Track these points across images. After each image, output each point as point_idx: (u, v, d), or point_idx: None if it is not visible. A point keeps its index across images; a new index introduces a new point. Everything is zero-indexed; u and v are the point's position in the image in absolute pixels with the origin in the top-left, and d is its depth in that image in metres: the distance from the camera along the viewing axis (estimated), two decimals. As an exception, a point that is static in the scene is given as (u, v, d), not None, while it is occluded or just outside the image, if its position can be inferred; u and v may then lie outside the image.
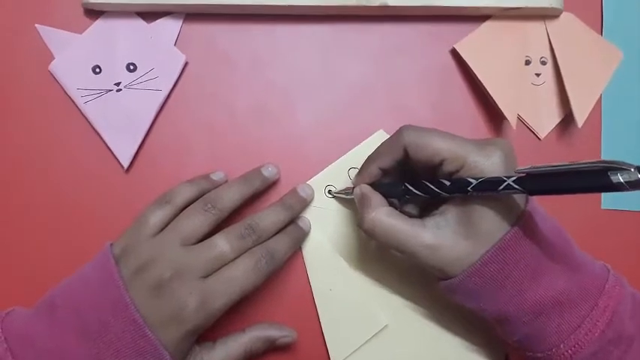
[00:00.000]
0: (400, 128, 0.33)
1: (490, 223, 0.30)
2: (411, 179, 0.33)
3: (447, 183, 0.30)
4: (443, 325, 0.39)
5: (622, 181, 0.23)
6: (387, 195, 0.34)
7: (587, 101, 0.40)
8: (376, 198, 0.33)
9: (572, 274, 0.31)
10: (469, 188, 0.29)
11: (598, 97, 0.40)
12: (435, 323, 0.39)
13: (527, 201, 0.31)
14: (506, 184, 0.27)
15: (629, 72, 0.42)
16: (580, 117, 0.39)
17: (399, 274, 0.39)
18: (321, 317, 0.38)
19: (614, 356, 0.30)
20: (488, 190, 0.28)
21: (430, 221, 0.32)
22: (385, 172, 0.34)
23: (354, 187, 0.36)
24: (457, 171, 0.30)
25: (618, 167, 0.23)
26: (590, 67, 0.40)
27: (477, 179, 0.29)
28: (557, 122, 0.41)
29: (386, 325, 0.38)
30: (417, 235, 0.31)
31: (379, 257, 0.39)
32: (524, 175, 0.27)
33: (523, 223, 0.30)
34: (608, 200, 0.41)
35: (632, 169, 0.23)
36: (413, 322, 0.39)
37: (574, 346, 0.30)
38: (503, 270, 0.30)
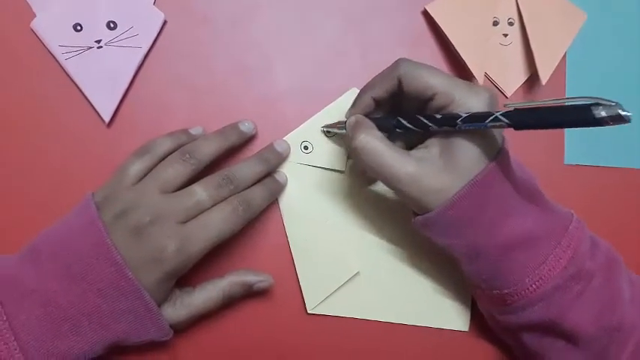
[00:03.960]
0: (397, 60, 0.34)
1: (469, 159, 0.31)
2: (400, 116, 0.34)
3: (438, 116, 0.32)
4: (412, 272, 0.41)
5: (604, 115, 0.24)
6: (378, 129, 0.34)
7: (551, 60, 0.41)
8: (370, 123, 0.35)
9: (540, 214, 0.33)
10: (458, 121, 0.30)
11: (562, 56, 0.42)
12: (405, 271, 0.41)
13: (504, 141, 0.33)
14: (493, 117, 0.29)
15: (592, 33, 0.43)
16: (544, 75, 0.41)
17: (371, 225, 0.41)
18: (297, 265, 0.40)
19: (575, 291, 0.33)
20: (476, 122, 0.30)
21: (415, 153, 0.34)
22: (377, 103, 0.35)
23: (347, 120, 0.36)
24: (446, 106, 0.32)
25: (601, 103, 0.25)
26: (555, 28, 0.42)
27: (466, 113, 0.30)
28: (523, 81, 0.43)
29: (357, 273, 0.40)
30: (401, 161, 0.32)
31: (352, 209, 0.41)
32: (511, 109, 0.29)
33: (499, 161, 0.32)
34: (571, 155, 0.43)
35: (614, 104, 0.24)
36: (383, 270, 0.41)
37: (538, 281, 0.32)
38: (478, 204, 0.32)
